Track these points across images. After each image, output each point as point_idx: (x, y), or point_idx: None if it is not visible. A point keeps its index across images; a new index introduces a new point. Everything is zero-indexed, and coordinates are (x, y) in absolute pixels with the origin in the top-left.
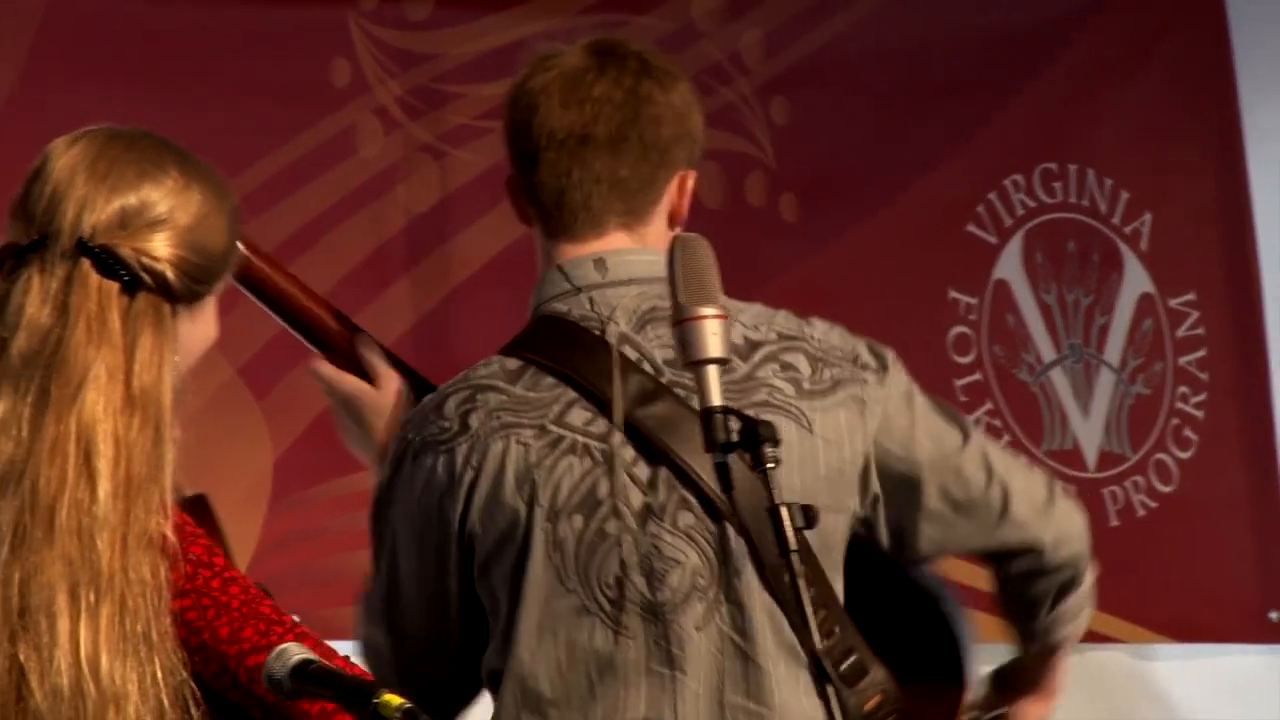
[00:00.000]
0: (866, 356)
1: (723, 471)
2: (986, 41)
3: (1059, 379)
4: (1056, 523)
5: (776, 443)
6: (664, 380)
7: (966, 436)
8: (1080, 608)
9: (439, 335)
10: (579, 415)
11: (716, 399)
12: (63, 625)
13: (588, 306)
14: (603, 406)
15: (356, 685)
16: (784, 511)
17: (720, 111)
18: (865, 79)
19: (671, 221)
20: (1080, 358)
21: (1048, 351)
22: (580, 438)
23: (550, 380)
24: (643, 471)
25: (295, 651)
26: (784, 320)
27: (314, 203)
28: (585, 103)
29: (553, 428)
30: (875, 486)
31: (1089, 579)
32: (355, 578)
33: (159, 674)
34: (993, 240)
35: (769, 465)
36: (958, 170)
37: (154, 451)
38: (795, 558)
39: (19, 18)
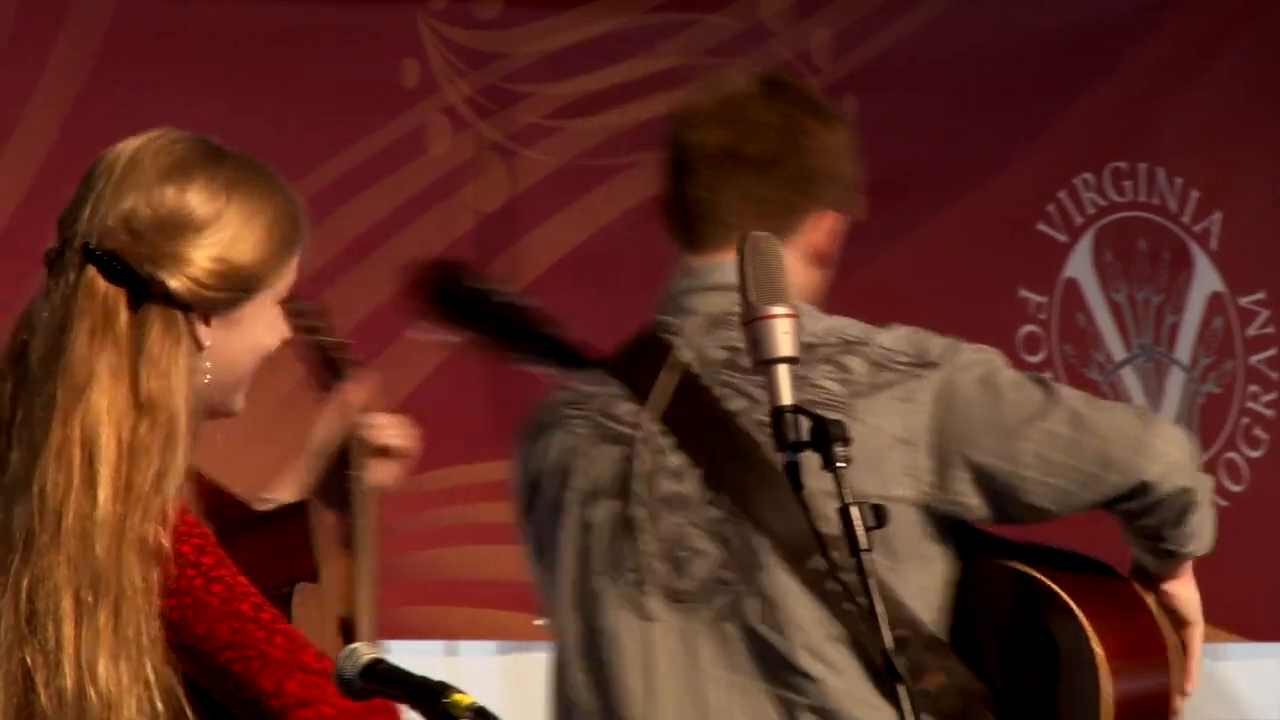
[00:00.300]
0: (934, 353)
1: (793, 470)
2: (1056, 40)
3: (1129, 378)
4: (1159, 454)
5: (847, 441)
6: (709, 380)
7: (1051, 398)
8: (1204, 522)
9: None
10: (625, 408)
11: (787, 398)
12: (67, 630)
13: (673, 312)
14: (647, 401)
15: (426, 684)
16: (854, 511)
17: None
18: (935, 78)
19: (815, 260)
20: (1151, 356)
21: (1118, 350)
22: (622, 428)
23: (610, 378)
24: (674, 462)
25: (365, 651)
26: (853, 328)
27: (383, 202)
28: (742, 123)
29: (599, 418)
30: (955, 478)
31: (1206, 494)
32: (425, 576)
33: (152, 678)
34: (1063, 239)
35: (840, 465)
36: (1028, 169)
37: (161, 457)
38: (867, 557)
39: (90, 17)
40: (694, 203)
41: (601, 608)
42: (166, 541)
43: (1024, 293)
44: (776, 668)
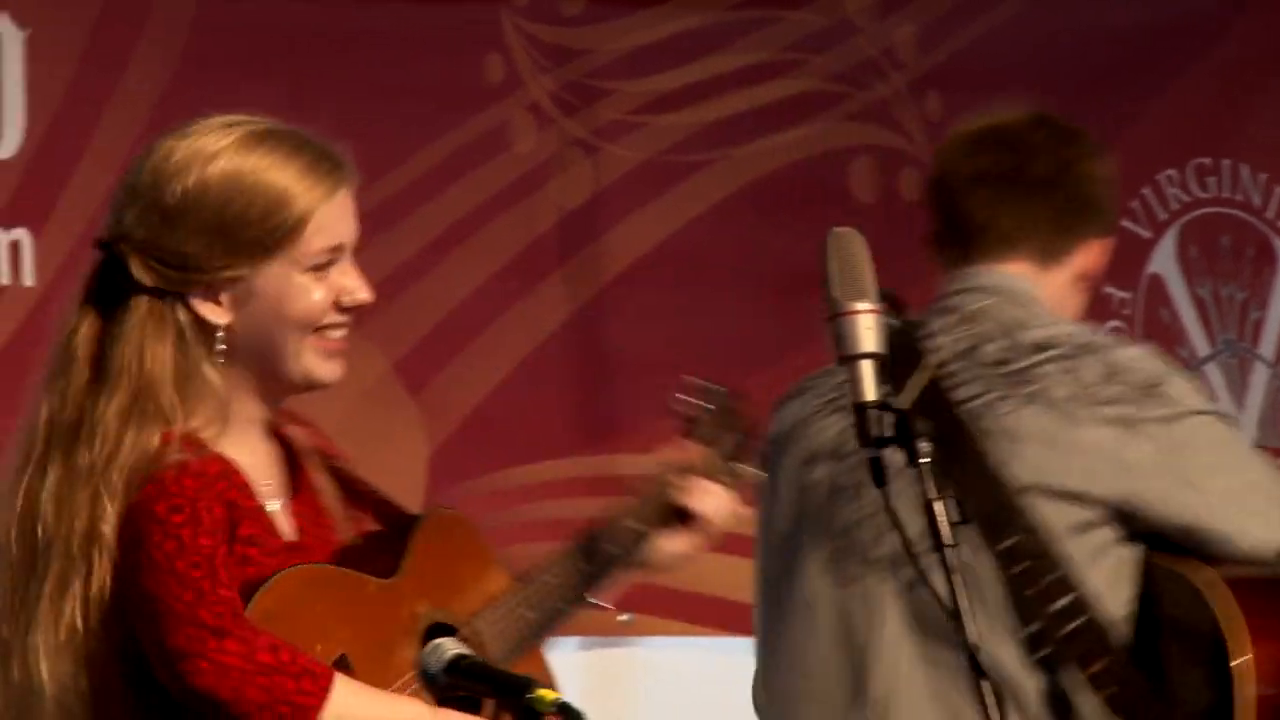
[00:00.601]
0: (1168, 390)
1: (876, 466)
2: (1140, 35)
3: (1213, 374)
4: None
5: (930, 438)
6: (948, 368)
7: (1266, 477)
8: None
9: (591, 331)
10: None
11: (870, 394)
12: (16, 601)
13: (935, 313)
14: (888, 382)
15: (511, 680)
16: (938, 507)
17: (874, 106)
18: (1019, 73)
19: (1081, 281)
20: (1234, 352)
21: (1202, 346)
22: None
23: None
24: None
25: (449, 647)
26: (1096, 335)
27: (467, 198)
28: (1023, 148)
29: (833, 391)
30: (1146, 505)
31: None
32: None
33: (81, 640)
34: (1147, 235)
35: (923, 461)
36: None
37: (119, 433)
38: (949, 552)
39: (173, 16)
40: (971, 220)
41: (803, 566)
42: (110, 522)
43: (1108, 288)
44: (957, 641)
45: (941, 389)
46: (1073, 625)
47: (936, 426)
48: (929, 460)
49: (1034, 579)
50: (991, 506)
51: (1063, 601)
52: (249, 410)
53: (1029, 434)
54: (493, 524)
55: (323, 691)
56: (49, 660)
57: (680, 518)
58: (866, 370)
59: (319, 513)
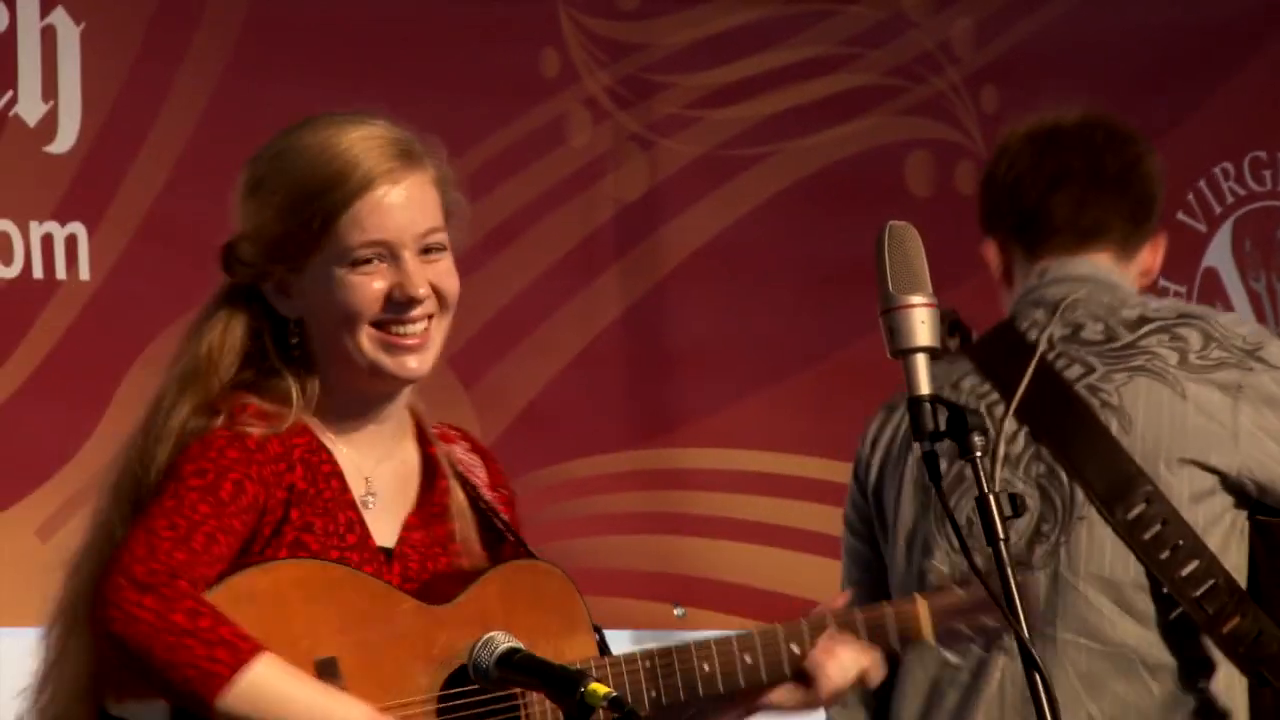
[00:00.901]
0: (1268, 356)
1: (931, 461)
2: (1196, 29)
3: None
4: None
5: (984, 432)
6: (1053, 355)
7: None
8: None
9: (647, 324)
10: (970, 381)
11: (925, 388)
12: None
13: (1028, 306)
14: (991, 377)
15: (563, 674)
16: (992, 501)
17: (930, 100)
18: (1075, 67)
19: (1144, 274)
20: None
21: None
22: (964, 397)
23: (963, 357)
24: (1008, 427)
25: (501, 640)
26: (1193, 306)
27: (524, 192)
28: (1090, 148)
29: (947, 389)
30: (1253, 473)
31: None
32: (567, 566)
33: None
34: (1202, 228)
35: (977, 455)
36: (1167, 158)
37: (168, 412)
38: (1003, 546)
39: (228, 11)
40: (1052, 219)
41: (930, 555)
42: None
43: (1163, 282)
44: (1084, 616)
45: (1053, 370)
46: (1202, 589)
47: (1052, 406)
48: (981, 455)
49: (1163, 544)
50: (1113, 477)
51: (1192, 566)
52: (346, 404)
53: (1142, 405)
54: (548, 518)
55: (239, 664)
56: (60, 642)
57: (796, 672)
58: (921, 364)
59: (445, 533)
